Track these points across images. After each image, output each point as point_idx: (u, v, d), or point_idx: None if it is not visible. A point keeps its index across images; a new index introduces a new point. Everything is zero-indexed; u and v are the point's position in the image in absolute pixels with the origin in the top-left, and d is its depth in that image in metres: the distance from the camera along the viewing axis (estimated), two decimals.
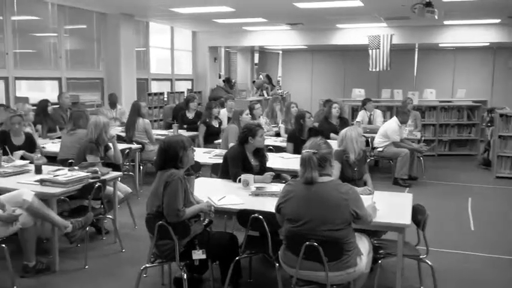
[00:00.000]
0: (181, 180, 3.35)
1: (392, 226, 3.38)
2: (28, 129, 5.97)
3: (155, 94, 11.94)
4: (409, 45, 13.62)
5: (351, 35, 12.56)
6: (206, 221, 3.77)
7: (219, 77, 14.99)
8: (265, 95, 13.97)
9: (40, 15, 9.11)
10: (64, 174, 4.42)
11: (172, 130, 7.97)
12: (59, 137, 7.27)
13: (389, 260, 3.71)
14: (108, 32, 10.50)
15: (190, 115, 8.68)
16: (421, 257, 3.63)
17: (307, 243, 2.93)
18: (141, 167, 7.18)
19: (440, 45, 13.74)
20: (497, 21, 10.81)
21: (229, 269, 3.56)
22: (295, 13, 9.92)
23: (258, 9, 9.73)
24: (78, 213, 4.48)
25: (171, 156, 3.43)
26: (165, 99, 12.31)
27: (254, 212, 3.47)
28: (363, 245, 3.25)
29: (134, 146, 6.81)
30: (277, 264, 3.45)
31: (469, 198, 6.96)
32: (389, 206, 3.69)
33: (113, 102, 9.35)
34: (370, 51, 12.00)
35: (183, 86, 13.87)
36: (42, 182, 4.28)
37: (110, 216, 4.77)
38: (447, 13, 9.44)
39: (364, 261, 3.11)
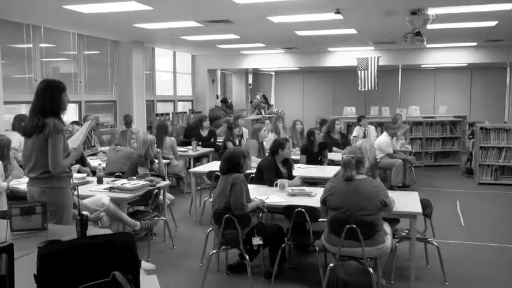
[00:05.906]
0: (244, 182, 4.26)
1: (408, 214, 4.32)
2: None
3: (161, 114, 12.79)
4: (393, 66, 14.73)
5: (341, 57, 13.63)
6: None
7: (217, 98, 15.93)
8: (263, 114, 14.93)
9: (62, 43, 9.93)
10: (128, 183, 5.26)
11: (191, 147, 8.83)
12: (91, 154, 8.12)
13: (402, 246, 4.65)
14: (120, 58, 11.37)
15: (204, 133, 9.58)
16: (429, 239, 4.57)
17: (348, 226, 3.84)
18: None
19: (422, 65, 14.92)
20: (474, 44, 12.03)
21: (278, 255, 4.45)
22: (293, 39, 10.94)
23: (261, 36, 10.71)
24: (135, 216, 5.34)
25: (235, 163, 4.34)
26: (170, 119, 13.15)
27: (298, 206, 4.38)
28: (387, 228, 4.18)
29: (163, 161, 7.63)
30: (317, 248, 4.36)
31: (457, 201, 7.98)
32: (401, 201, 4.60)
33: (128, 123, 10.16)
34: (359, 72, 13.03)
35: (184, 107, 14.75)
36: (111, 189, 5.11)
37: (164, 218, 5.60)
38: (430, 38, 10.55)
39: (389, 239, 4.04)
